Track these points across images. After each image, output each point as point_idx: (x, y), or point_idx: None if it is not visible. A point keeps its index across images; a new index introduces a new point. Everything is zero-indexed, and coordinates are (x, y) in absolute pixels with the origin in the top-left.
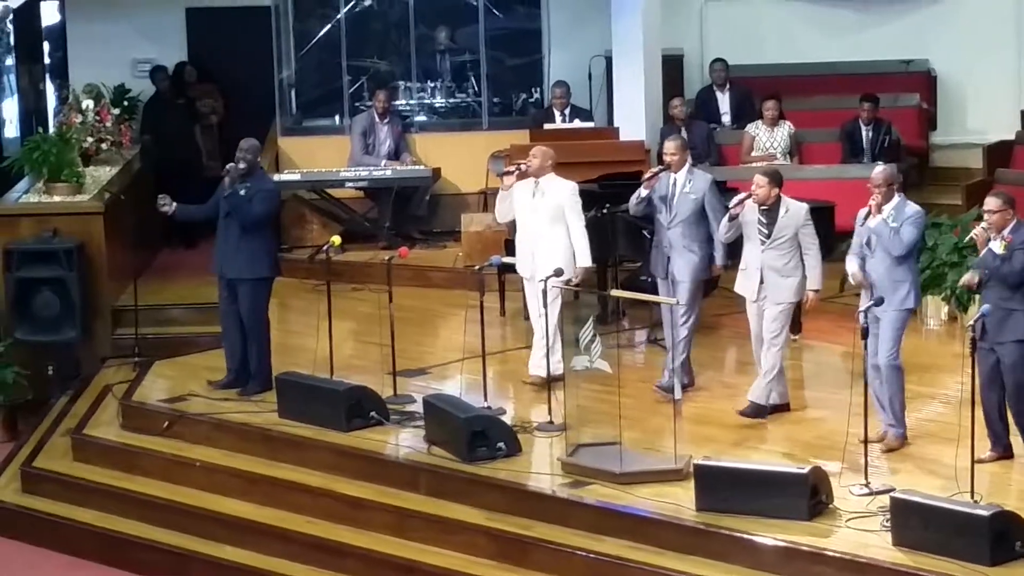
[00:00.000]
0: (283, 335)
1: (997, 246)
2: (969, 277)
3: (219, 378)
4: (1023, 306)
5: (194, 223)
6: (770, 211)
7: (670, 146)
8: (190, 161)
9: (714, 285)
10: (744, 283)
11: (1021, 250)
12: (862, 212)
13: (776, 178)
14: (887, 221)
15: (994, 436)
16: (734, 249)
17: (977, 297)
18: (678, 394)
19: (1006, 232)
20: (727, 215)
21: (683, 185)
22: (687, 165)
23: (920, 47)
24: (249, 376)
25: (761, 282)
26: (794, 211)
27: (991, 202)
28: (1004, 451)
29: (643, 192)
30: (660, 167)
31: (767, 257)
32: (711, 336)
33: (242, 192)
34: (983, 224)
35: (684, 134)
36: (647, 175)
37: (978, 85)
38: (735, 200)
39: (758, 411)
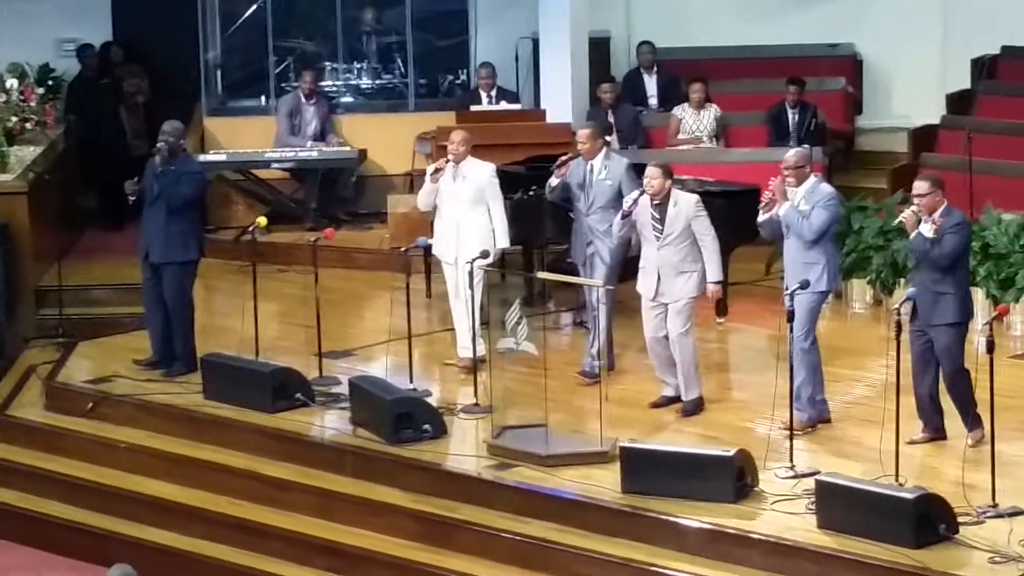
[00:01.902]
0: (208, 316)
1: (927, 229)
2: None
3: (144, 358)
4: (953, 289)
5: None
6: (661, 206)
7: (580, 134)
8: (115, 141)
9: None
10: (643, 282)
11: (952, 233)
12: (763, 207)
13: (668, 171)
14: (796, 207)
15: (925, 418)
16: None
17: (902, 280)
18: (604, 370)
19: (936, 215)
20: (620, 213)
21: (599, 171)
22: (603, 151)
23: (846, 31)
24: (174, 357)
25: (659, 281)
26: (683, 203)
27: (920, 186)
28: (936, 433)
29: (553, 180)
30: (569, 155)
31: (663, 255)
32: (637, 319)
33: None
34: (912, 207)
35: (611, 117)
36: (557, 163)
37: (903, 69)
38: (629, 199)
39: (697, 406)
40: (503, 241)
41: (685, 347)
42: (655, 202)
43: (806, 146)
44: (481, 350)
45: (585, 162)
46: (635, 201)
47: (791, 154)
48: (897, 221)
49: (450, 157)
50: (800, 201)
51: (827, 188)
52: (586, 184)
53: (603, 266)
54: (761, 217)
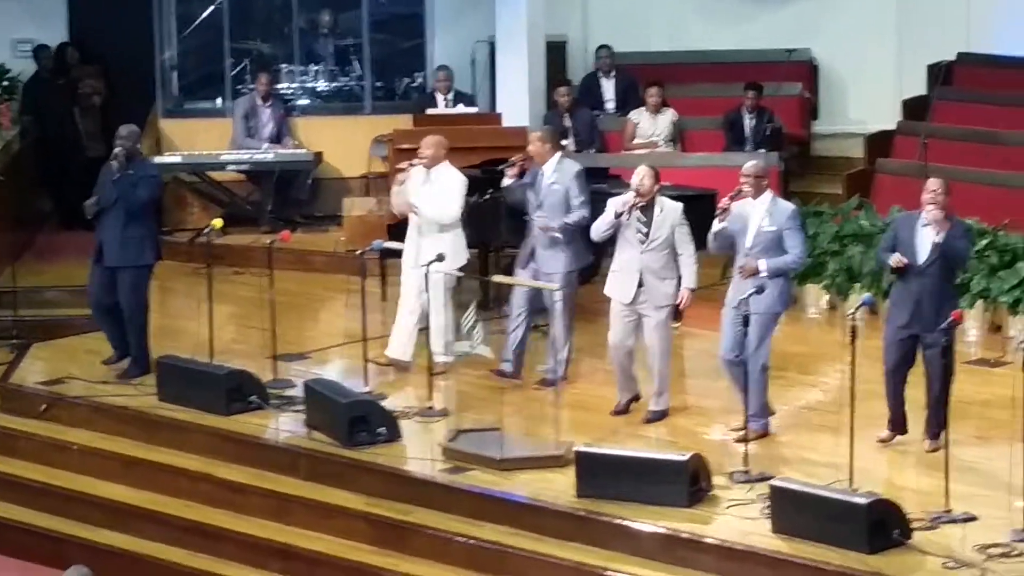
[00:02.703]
0: (163, 318)
1: (936, 235)
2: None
3: (106, 357)
4: (954, 293)
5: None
6: (647, 209)
7: (531, 137)
8: (70, 142)
9: (594, 272)
10: (618, 286)
11: (965, 237)
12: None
13: (658, 173)
14: (762, 227)
15: (895, 418)
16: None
17: (857, 285)
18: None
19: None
20: (613, 212)
21: (550, 176)
22: (556, 156)
23: (803, 37)
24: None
25: (640, 286)
26: (670, 210)
27: (936, 183)
28: (900, 430)
29: (505, 181)
30: (521, 156)
31: (646, 259)
32: (593, 323)
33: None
34: (930, 208)
35: (567, 121)
36: (507, 163)
37: (860, 75)
38: (620, 201)
39: (662, 417)
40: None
41: (663, 360)
42: (640, 204)
43: (763, 151)
44: (437, 353)
45: (537, 166)
46: (631, 207)
47: (751, 164)
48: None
49: (417, 161)
50: (763, 219)
51: (788, 205)
52: (537, 187)
53: (554, 272)
54: (716, 226)
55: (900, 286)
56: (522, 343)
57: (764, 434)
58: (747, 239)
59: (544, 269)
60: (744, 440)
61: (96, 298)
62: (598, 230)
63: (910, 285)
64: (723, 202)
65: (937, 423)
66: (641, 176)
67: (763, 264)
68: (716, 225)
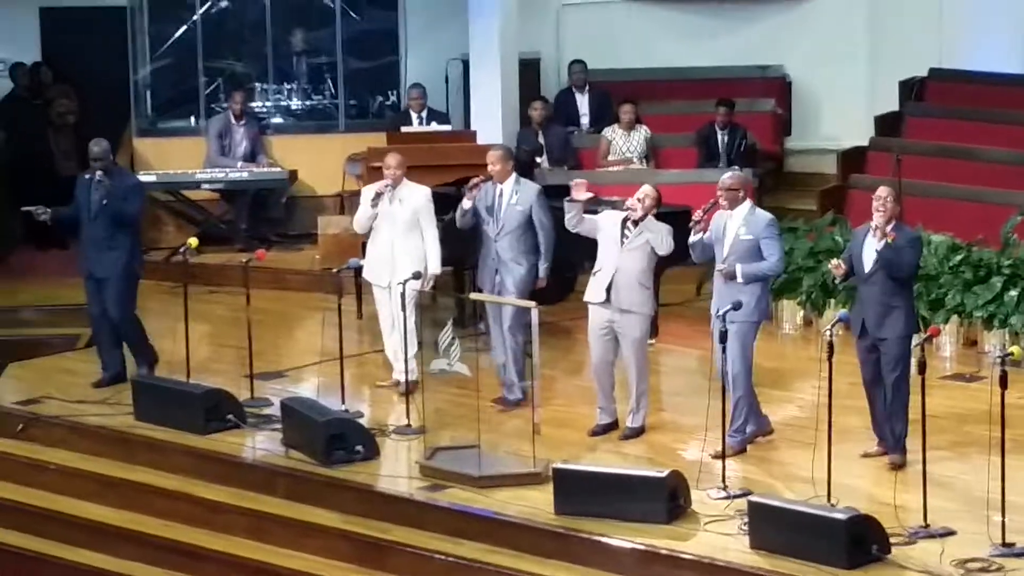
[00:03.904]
0: None
1: (879, 242)
2: (835, 264)
3: (94, 380)
4: (905, 303)
5: (60, 225)
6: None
7: (491, 156)
8: (44, 161)
9: (570, 288)
10: (593, 287)
11: (910, 247)
12: (693, 227)
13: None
14: (739, 235)
15: (881, 432)
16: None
17: (832, 301)
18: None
19: (889, 228)
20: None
21: (509, 196)
22: (513, 176)
23: (776, 53)
24: (125, 372)
25: (614, 287)
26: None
27: (884, 191)
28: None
29: (466, 204)
30: (481, 177)
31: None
32: (567, 339)
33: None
34: (835, 261)
35: (541, 138)
36: (468, 185)
37: (832, 91)
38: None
39: (639, 433)
40: (436, 266)
41: (643, 375)
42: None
43: (739, 169)
44: (414, 371)
45: (495, 185)
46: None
47: (728, 175)
48: (826, 269)
49: (389, 181)
50: (740, 228)
51: (765, 215)
52: (495, 208)
53: (512, 295)
54: (692, 238)
55: (856, 296)
56: (513, 364)
57: (743, 449)
58: (724, 248)
59: (506, 289)
60: (720, 456)
61: (92, 312)
62: (570, 221)
63: (861, 294)
64: (696, 214)
65: (894, 436)
66: (646, 195)
67: (739, 268)
68: (692, 236)
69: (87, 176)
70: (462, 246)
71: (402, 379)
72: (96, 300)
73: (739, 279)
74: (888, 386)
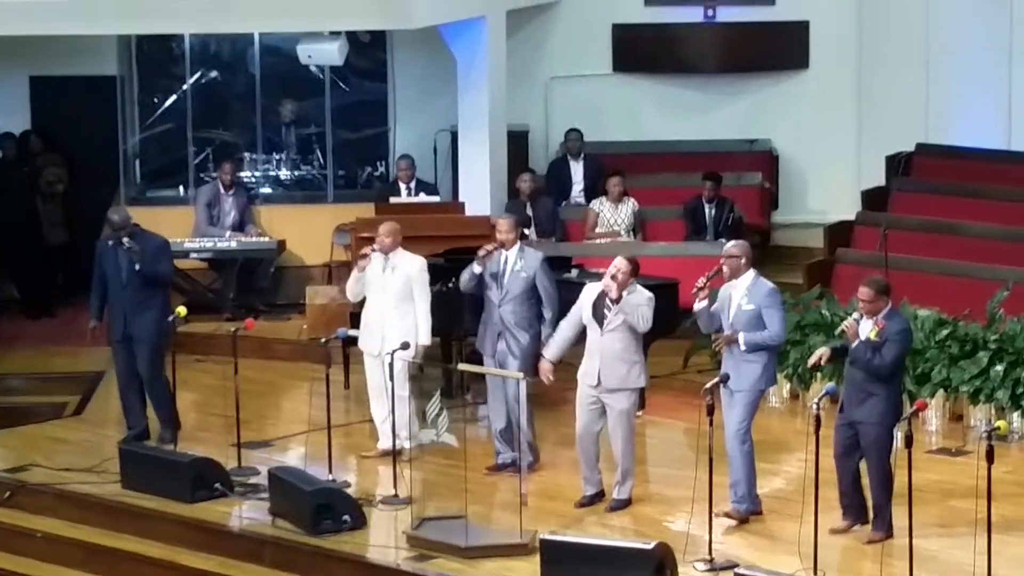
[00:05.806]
0: None
1: (868, 327)
2: (817, 356)
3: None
4: (884, 392)
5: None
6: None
7: (502, 224)
8: (31, 230)
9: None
10: (585, 368)
11: (894, 342)
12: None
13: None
14: (741, 305)
15: (847, 504)
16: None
17: (819, 375)
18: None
19: (879, 317)
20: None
21: (514, 263)
22: (518, 243)
23: (763, 127)
24: (148, 431)
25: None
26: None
27: (864, 292)
28: (856, 519)
29: (476, 269)
30: (494, 245)
31: (605, 342)
32: (555, 411)
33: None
34: (854, 315)
35: (529, 209)
36: (481, 252)
37: (819, 165)
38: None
39: (626, 505)
40: (425, 338)
41: (629, 447)
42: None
43: (723, 240)
44: (401, 441)
45: (502, 253)
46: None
47: (732, 243)
48: (839, 330)
49: (376, 247)
50: (743, 298)
51: (767, 284)
52: (500, 274)
53: (516, 361)
54: (697, 306)
55: (846, 376)
56: (509, 429)
57: (746, 519)
58: (728, 317)
59: (508, 356)
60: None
61: (120, 374)
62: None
63: (845, 373)
64: (699, 281)
65: (877, 512)
66: (618, 270)
67: (741, 336)
68: (696, 305)
69: (110, 243)
70: (450, 316)
71: (388, 447)
72: (125, 360)
73: (741, 347)
74: (868, 463)
